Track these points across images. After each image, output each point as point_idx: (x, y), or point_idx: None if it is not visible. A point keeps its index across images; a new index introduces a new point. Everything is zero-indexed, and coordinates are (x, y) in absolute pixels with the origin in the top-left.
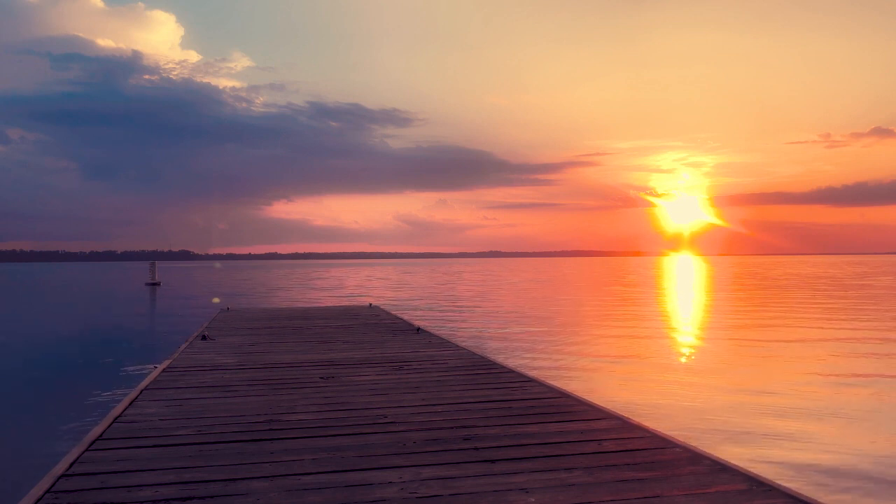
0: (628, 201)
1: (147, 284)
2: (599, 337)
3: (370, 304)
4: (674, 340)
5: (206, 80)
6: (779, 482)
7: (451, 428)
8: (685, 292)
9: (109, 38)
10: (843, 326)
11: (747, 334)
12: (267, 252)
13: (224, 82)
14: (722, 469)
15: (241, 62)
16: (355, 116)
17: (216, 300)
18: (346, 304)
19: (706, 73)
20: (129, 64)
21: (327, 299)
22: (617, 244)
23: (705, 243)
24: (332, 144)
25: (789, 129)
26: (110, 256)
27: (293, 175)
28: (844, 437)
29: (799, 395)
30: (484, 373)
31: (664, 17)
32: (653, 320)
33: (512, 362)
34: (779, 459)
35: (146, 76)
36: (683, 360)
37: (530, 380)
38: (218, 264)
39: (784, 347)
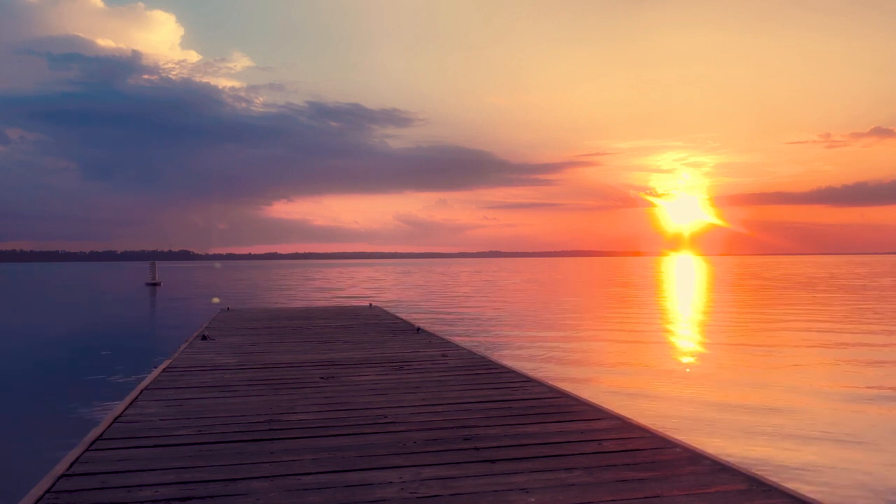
0: (628, 201)
1: (147, 284)
2: (601, 348)
3: (370, 304)
4: (702, 352)
5: (205, 80)
6: (779, 482)
7: (452, 428)
8: (695, 295)
9: (109, 38)
10: (861, 335)
11: (773, 351)
12: (267, 252)
13: (224, 82)
14: (722, 469)
15: (240, 62)
16: (355, 116)
17: (216, 300)
18: (346, 304)
19: (706, 73)
20: (129, 64)
21: (327, 299)
22: (617, 244)
23: (705, 243)
24: (332, 144)
25: (789, 129)
26: (110, 256)
27: (293, 175)
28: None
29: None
30: (484, 373)
31: (664, 17)
32: (663, 326)
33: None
34: None
35: (146, 76)
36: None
37: (530, 380)
38: (218, 264)
39: (809, 357)
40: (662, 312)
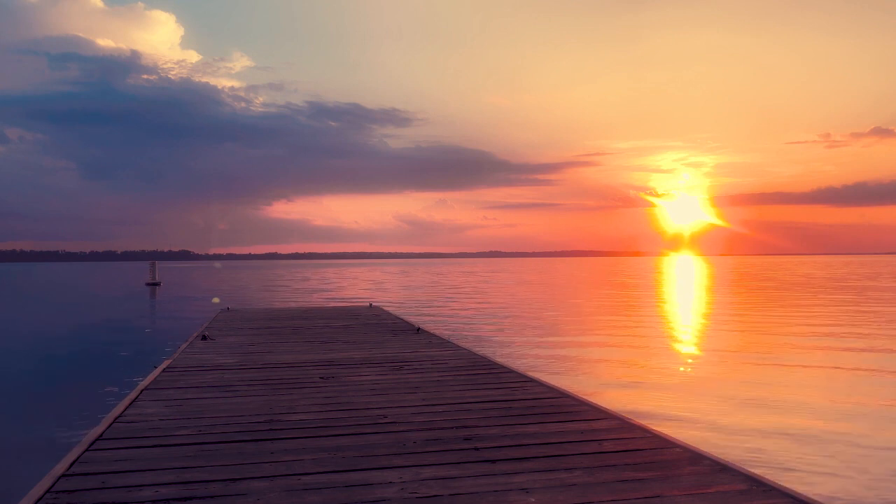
0: (628, 201)
1: (147, 284)
2: (604, 359)
3: (370, 304)
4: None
5: (204, 79)
6: (779, 482)
7: (452, 428)
8: (707, 298)
9: (109, 38)
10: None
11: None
12: (267, 252)
13: (223, 82)
14: (722, 469)
15: (240, 62)
16: (355, 116)
17: (216, 300)
18: (346, 304)
19: (706, 73)
20: (128, 64)
21: (327, 299)
22: (617, 244)
23: (705, 243)
24: (331, 144)
25: (789, 129)
26: (110, 256)
27: (293, 175)
28: None
29: None
30: (484, 373)
31: (664, 17)
32: (673, 331)
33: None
34: None
35: (145, 76)
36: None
37: (530, 380)
38: (218, 264)
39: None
40: (665, 316)
